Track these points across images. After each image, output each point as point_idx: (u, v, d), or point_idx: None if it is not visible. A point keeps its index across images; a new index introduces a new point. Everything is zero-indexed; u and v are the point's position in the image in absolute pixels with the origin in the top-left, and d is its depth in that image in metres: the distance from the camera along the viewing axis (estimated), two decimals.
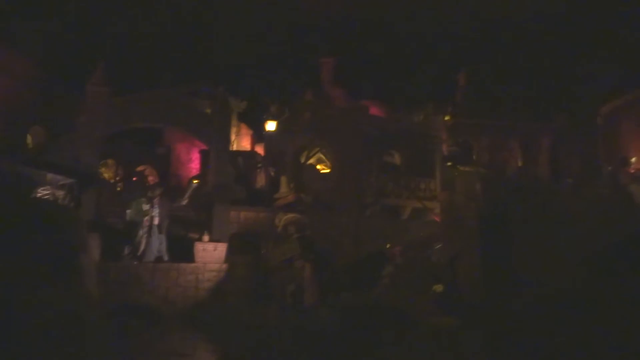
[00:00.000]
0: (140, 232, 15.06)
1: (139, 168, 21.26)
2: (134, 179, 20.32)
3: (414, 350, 11.17)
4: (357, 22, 32.80)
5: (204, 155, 19.83)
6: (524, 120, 21.70)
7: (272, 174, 19.84)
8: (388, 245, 15.75)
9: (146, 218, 15.15)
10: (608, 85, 21.24)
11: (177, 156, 22.80)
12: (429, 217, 17.94)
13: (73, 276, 11.55)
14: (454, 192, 16.11)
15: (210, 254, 15.43)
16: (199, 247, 15.43)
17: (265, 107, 22.45)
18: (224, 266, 15.39)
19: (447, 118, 21.37)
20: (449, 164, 19.87)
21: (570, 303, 10.71)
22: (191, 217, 17.10)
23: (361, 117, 19.03)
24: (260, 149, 23.08)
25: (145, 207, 15.28)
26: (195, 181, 19.81)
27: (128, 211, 16.18)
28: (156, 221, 15.18)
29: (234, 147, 22.47)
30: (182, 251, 15.31)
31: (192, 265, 15.19)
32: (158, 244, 15.15)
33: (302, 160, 20.20)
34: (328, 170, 19.82)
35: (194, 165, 22.24)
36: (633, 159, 17.51)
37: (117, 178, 20.49)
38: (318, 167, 20.53)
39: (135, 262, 14.78)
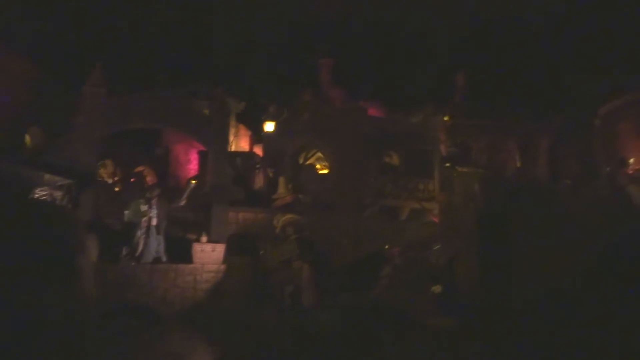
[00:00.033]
0: (139, 233, 15.03)
1: (137, 169, 21.18)
2: (132, 179, 20.24)
3: (413, 351, 11.16)
4: (356, 22, 32.85)
5: (203, 156, 19.80)
6: (523, 121, 21.73)
7: (271, 174, 19.82)
8: (387, 246, 15.75)
9: (144, 219, 15.12)
10: (606, 86, 21.26)
11: (175, 157, 22.77)
12: (428, 218, 17.94)
13: (71, 277, 11.51)
14: (453, 193, 16.12)
15: (209, 254, 15.40)
16: (197, 248, 15.39)
17: (264, 107, 22.46)
18: (222, 267, 15.36)
19: (445, 119, 21.36)
20: (448, 164, 19.88)
21: (569, 304, 10.71)
22: (189, 218, 17.08)
23: (360, 117, 19.02)
24: (258, 150, 23.07)
25: (144, 207, 15.25)
26: (192, 182, 19.77)
27: (126, 212, 16.16)
28: (154, 222, 15.14)
29: (233, 148, 22.45)
30: (180, 252, 15.29)
31: (191, 266, 15.15)
32: (156, 245, 15.12)
33: (301, 161, 20.20)
34: (327, 171, 19.80)
35: (193, 166, 22.21)
36: (631, 160, 17.50)
37: (115, 179, 20.43)
38: (317, 167, 20.52)
39: (133, 263, 14.74)
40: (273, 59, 32.30)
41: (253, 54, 32.45)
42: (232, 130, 22.65)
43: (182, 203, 18.10)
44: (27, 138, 17.18)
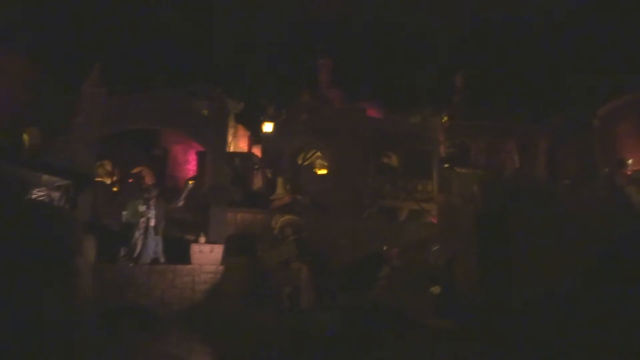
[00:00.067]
0: (137, 234, 15.00)
1: (136, 169, 21.17)
2: (131, 180, 20.22)
3: (412, 351, 11.14)
4: (355, 23, 32.85)
5: (201, 156, 19.77)
6: (521, 121, 21.72)
7: (269, 175, 19.80)
8: (385, 247, 15.74)
9: (142, 219, 15.09)
10: (606, 87, 21.26)
11: (174, 157, 22.75)
12: (426, 219, 17.93)
13: (68, 278, 11.49)
14: (451, 194, 16.12)
15: (207, 255, 15.37)
16: (195, 248, 15.37)
17: (263, 108, 22.43)
18: (221, 268, 15.32)
19: (444, 120, 21.37)
20: (446, 165, 19.88)
21: (567, 304, 10.70)
22: (188, 219, 17.05)
23: (359, 118, 19.01)
24: (257, 150, 23.06)
25: (142, 208, 15.23)
26: (190, 182, 19.75)
27: (124, 213, 16.14)
28: (152, 223, 15.12)
29: (231, 149, 22.44)
30: (178, 253, 15.26)
31: (189, 267, 15.12)
32: (154, 246, 15.08)
33: (300, 161, 20.17)
34: (325, 172, 19.78)
35: (191, 166, 22.19)
36: (629, 161, 17.49)
37: (114, 179, 20.41)
38: (315, 168, 20.50)
39: (131, 264, 14.69)
40: (272, 60, 32.31)
41: (252, 54, 32.48)
42: (230, 131, 22.64)
43: (180, 204, 18.08)
44: (26, 138, 17.16)
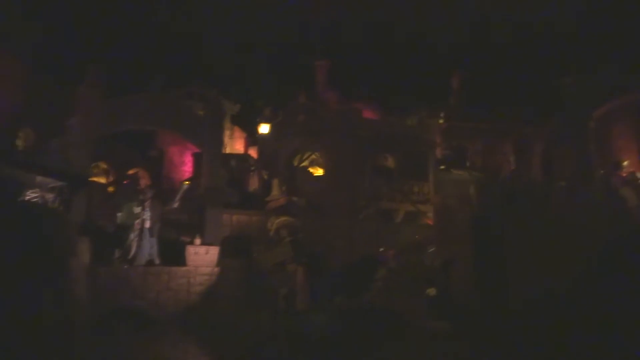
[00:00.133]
0: (132, 236, 14.93)
1: (131, 171, 21.09)
2: (126, 181, 20.15)
3: (408, 353, 11.11)
4: (352, 25, 32.88)
5: (197, 158, 19.72)
6: (518, 123, 21.77)
7: (265, 176, 19.77)
8: (381, 249, 15.71)
9: (137, 221, 15.02)
10: (602, 88, 21.30)
11: (169, 159, 22.69)
12: (423, 221, 17.93)
13: (62, 280, 11.41)
14: (448, 196, 16.13)
15: (202, 257, 15.31)
16: (190, 250, 15.30)
17: (259, 109, 22.46)
18: (216, 270, 15.27)
19: (440, 121, 21.42)
20: (443, 167, 19.90)
21: (563, 305, 10.70)
22: (183, 220, 16.98)
23: (355, 120, 19.01)
24: (253, 152, 23.03)
25: (137, 210, 15.15)
26: (186, 183, 19.69)
27: (119, 214, 16.05)
28: (147, 224, 15.04)
29: (227, 150, 22.41)
30: (173, 255, 15.18)
31: (184, 268, 15.05)
32: (149, 248, 15.01)
33: (296, 163, 20.14)
34: (321, 173, 19.76)
35: (187, 168, 22.13)
36: (625, 163, 17.51)
37: (109, 180, 20.32)
38: (311, 170, 20.47)
39: (126, 266, 14.62)
40: (269, 61, 32.34)
41: (248, 56, 32.47)
42: (226, 132, 22.63)
43: (176, 205, 18.01)
44: (20, 139, 17.06)
